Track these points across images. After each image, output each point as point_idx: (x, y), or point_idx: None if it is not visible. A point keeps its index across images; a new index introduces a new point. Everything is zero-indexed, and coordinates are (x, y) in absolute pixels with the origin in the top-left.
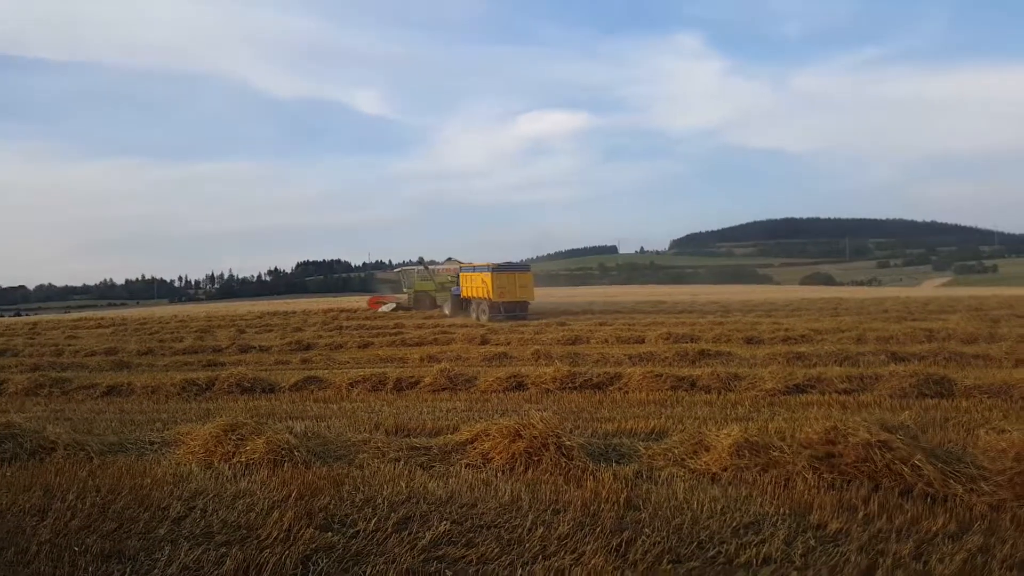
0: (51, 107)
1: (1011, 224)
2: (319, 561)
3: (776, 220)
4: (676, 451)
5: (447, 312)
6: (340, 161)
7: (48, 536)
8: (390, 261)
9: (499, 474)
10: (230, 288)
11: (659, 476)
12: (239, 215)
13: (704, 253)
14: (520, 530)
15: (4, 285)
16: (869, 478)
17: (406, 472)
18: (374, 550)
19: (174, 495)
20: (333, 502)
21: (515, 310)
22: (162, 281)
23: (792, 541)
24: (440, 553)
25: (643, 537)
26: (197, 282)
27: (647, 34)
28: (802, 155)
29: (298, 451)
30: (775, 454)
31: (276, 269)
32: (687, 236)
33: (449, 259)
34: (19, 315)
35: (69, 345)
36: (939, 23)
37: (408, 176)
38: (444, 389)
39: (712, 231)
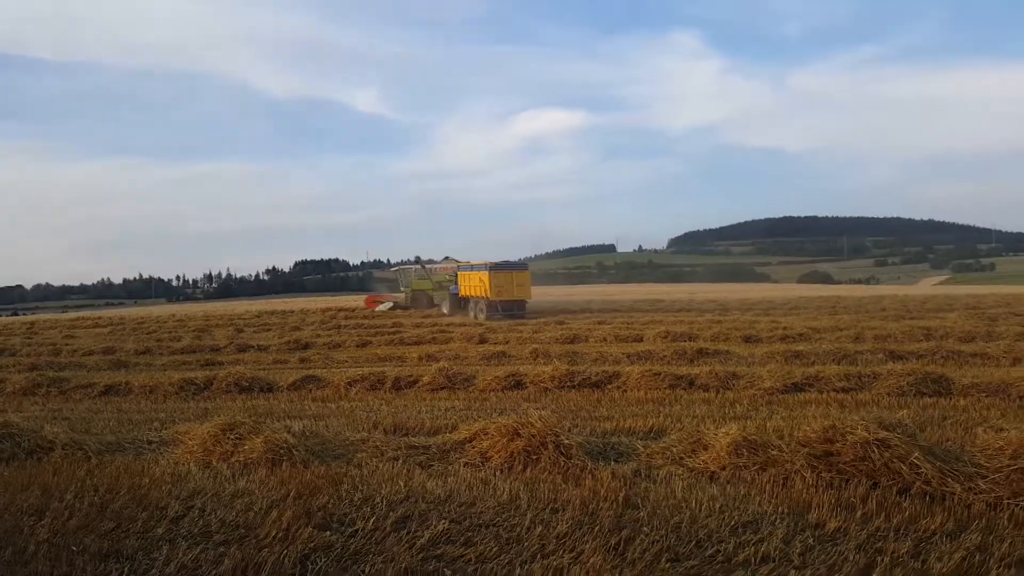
0: (49, 107)
1: (1009, 222)
2: (318, 560)
3: (774, 219)
4: (674, 450)
5: (445, 311)
6: (339, 160)
7: (46, 536)
8: (388, 260)
9: (498, 473)
10: (228, 287)
11: (657, 475)
12: (237, 214)
13: (702, 252)
14: (519, 529)
15: (1, 284)
16: (867, 476)
17: (404, 471)
18: (373, 549)
19: (172, 494)
20: (332, 501)
21: (512, 309)
22: (160, 280)
23: (790, 540)
24: (439, 552)
25: (641, 536)
26: (195, 281)
27: (647, 34)
28: (801, 154)
29: (296, 450)
30: (773, 453)
31: (274, 268)
32: (685, 235)
33: (446, 258)
34: (16, 314)
35: (67, 345)
36: (939, 22)
37: (407, 175)
38: (442, 388)
39: (710, 230)
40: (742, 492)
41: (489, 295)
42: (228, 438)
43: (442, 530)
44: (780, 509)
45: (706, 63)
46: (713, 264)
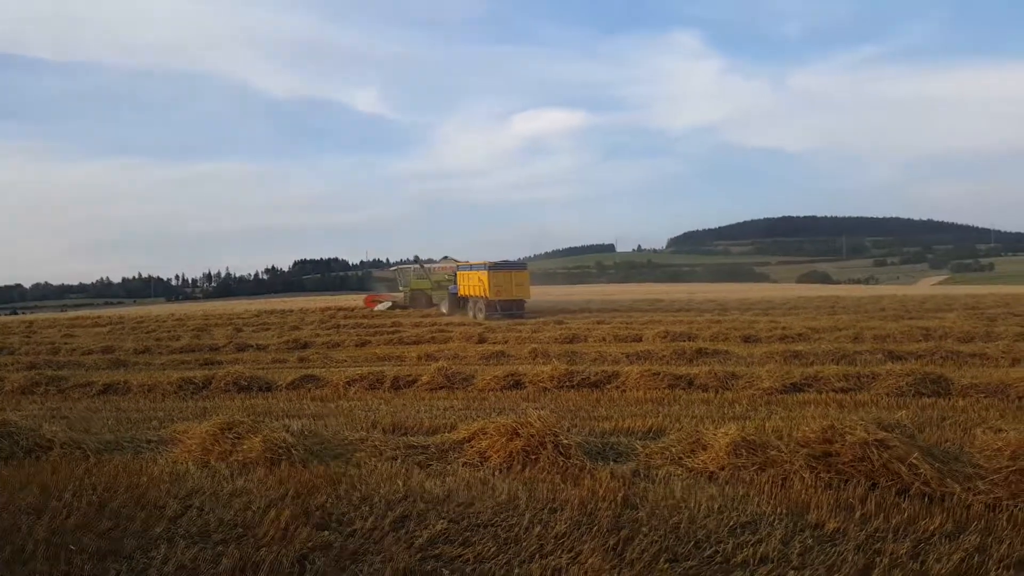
0: (49, 107)
1: (1008, 222)
2: (316, 560)
3: (773, 219)
4: (673, 450)
5: (445, 311)
6: (338, 160)
7: (44, 535)
8: (388, 260)
9: (496, 473)
10: (227, 287)
11: (656, 475)
12: (237, 214)
13: (701, 251)
14: (517, 529)
15: (0, 284)
16: (866, 477)
17: (403, 471)
18: (371, 549)
19: (171, 493)
20: (330, 501)
21: (511, 308)
22: (159, 280)
23: (789, 540)
24: (437, 552)
25: (640, 536)
26: (194, 281)
27: (647, 34)
28: (801, 154)
29: (295, 450)
30: (772, 453)
31: (273, 268)
32: (684, 234)
33: (445, 258)
34: (15, 313)
35: (65, 344)
36: (939, 22)
37: (407, 175)
38: (441, 387)
39: (709, 229)
40: (741, 492)
41: (488, 295)
42: (226, 437)
43: (440, 530)
44: (779, 510)
45: (706, 63)
46: (712, 264)
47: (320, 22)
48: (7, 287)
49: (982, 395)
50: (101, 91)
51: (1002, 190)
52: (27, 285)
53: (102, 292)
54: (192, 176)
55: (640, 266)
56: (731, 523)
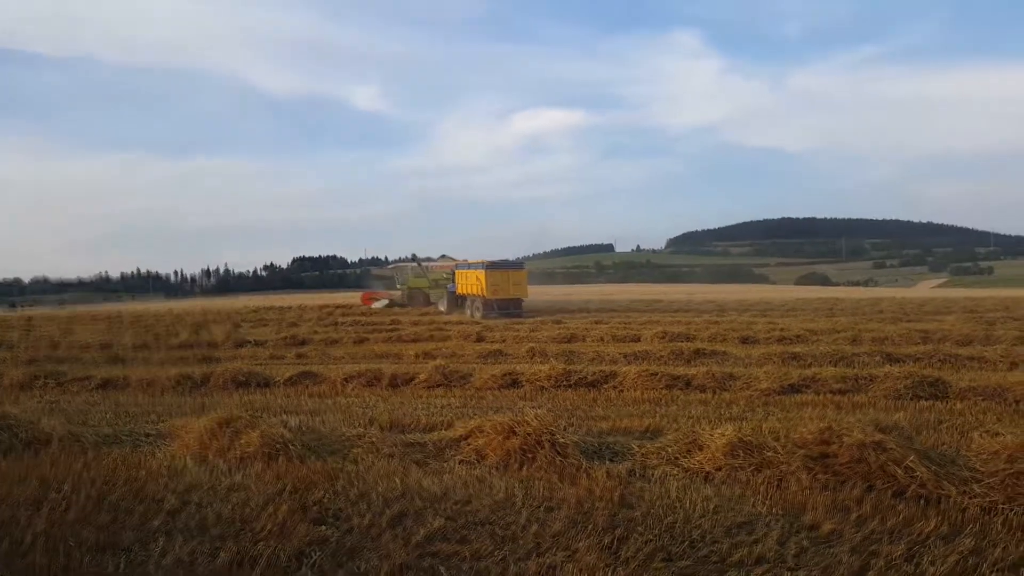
0: (48, 102)
1: (1007, 226)
2: (313, 555)
3: (772, 220)
4: (670, 450)
5: (443, 309)
6: (338, 157)
7: (43, 528)
8: (386, 257)
9: (493, 471)
10: (226, 283)
11: (653, 475)
12: (236, 210)
13: (700, 252)
14: (514, 527)
15: None
16: (863, 479)
17: (400, 468)
18: (368, 545)
19: (169, 488)
20: (327, 497)
21: (509, 307)
22: (158, 276)
23: (785, 541)
24: (434, 549)
25: (635, 535)
26: (193, 277)
27: (646, 33)
28: (800, 154)
29: (293, 445)
30: (769, 454)
31: (272, 264)
32: (683, 235)
33: (443, 256)
34: (14, 308)
35: (64, 339)
36: (939, 22)
37: (406, 172)
38: (439, 385)
39: (708, 230)
40: (737, 493)
41: (485, 293)
42: (224, 432)
43: (437, 527)
44: (775, 510)
45: (706, 63)
46: (711, 265)
47: (321, 20)
48: (6, 282)
49: (980, 398)
50: (100, 88)
51: (1002, 191)
52: (26, 280)
53: (101, 288)
54: (191, 172)
55: (639, 266)
56: (727, 523)
